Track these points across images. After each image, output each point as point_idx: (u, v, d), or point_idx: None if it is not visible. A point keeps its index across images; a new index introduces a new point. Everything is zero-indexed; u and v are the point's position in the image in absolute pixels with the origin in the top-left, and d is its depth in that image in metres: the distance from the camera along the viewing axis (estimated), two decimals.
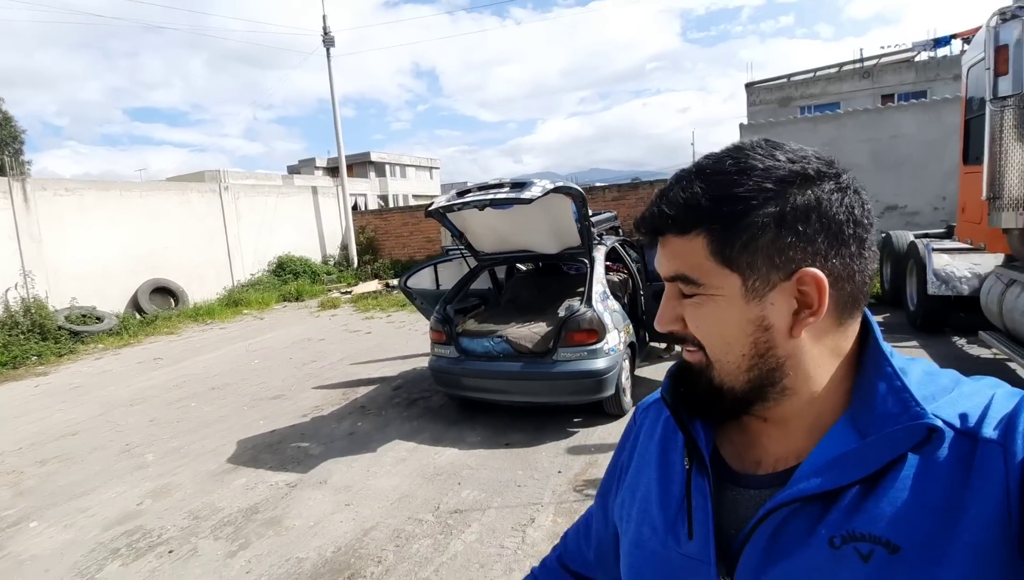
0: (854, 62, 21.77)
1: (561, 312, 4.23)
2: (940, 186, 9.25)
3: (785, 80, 22.29)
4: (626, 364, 4.31)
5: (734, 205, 0.49)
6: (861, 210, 0.51)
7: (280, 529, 3.15)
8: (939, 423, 0.46)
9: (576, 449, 3.82)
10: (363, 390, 5.64)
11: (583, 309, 4.00)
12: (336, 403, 5.31)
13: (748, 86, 22.81)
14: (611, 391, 3.98)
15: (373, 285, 13.05)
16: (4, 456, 4.70)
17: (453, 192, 4.09)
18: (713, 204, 0.50)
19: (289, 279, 13.64)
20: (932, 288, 4.96)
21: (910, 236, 6.46)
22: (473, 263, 5.00)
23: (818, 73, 21.68)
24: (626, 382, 4.32)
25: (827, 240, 0.49)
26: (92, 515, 3.54)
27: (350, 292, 12.70)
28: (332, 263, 15.61)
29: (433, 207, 4.04)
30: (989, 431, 0.45)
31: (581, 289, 4.67)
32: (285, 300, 12.66)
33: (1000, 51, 3.11)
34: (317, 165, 40.91)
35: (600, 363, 3.89)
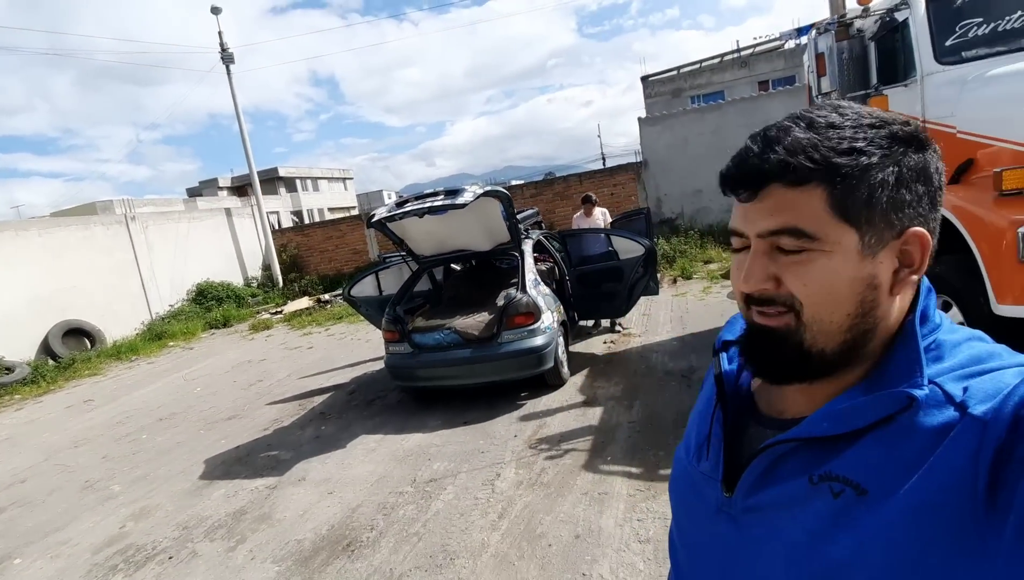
0: (732, 52, 23.92)
1: (500, 301, 4.78)
2: None
3: (675, 72, 24.12)
4: (561, 341, 4.92)
5: (856, 158, 0.49)
6: (941, 179, 0.53)
7: (272, 522, 3.47)
8: (921, 394, 0.48)
9: (526, 417, 4.39)
10: (319, 399, 5.90)
11: (520, 295, 4.57)
12: (294, 414, 5.55)
13: (644, 80, 24.45)
14: (551, 364, 4.58)
15: (304, 302, 12.97)
16: None
17: (392, 202, 4.52)
18: (834, 155, 0.50)
19: (213, 306, 13.24)
20: None
21: None
22: (415, 266, 5.43)
23: (703, 64, 23.67)
24: (562, 356, 4.93)
25: (929, 202, 0.52)
26: (76, 544, 3.66)
27: (281, 312, 12.56)
28: (256, 285, 15.25)
29: (376, 218, 4.44)
30: (978, 408, 0.46)
31: (514, 280, 5.24)
32: (212, 327, 12.32)
33: (819, 57, 3.99)
34: (220, 185, 38.96)
35: (539, 340, 4.48)
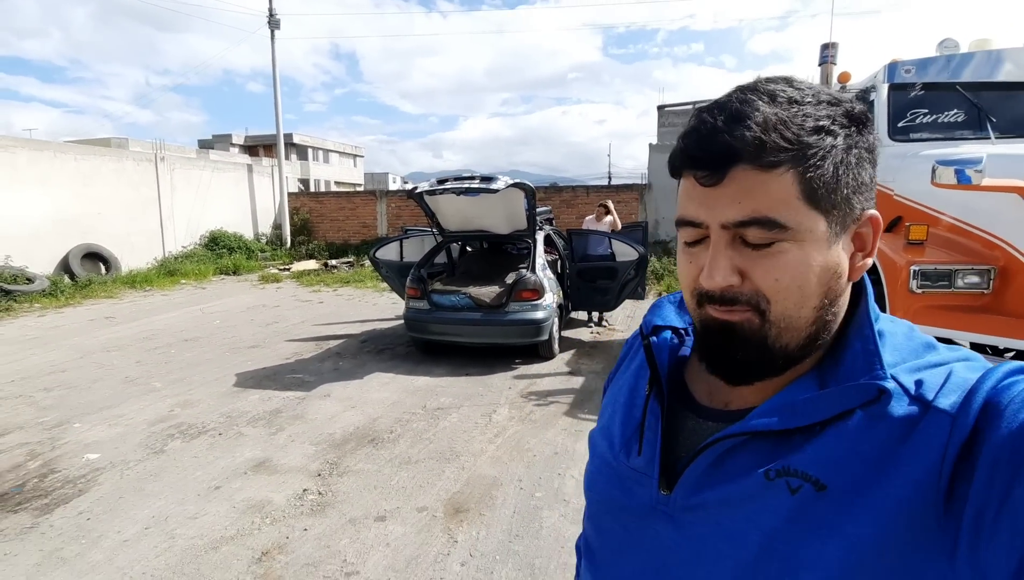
0: None
1: (509, 278, 5.57)
2: None
3: (692, 105, 25.17)
4: (556, 321, 5.72)
5: (824, 137, 0.46)
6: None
7: (305, 420, 4.20)
8: (891, 386, 0.46)
9: (519, 376, 5.19)
10: (334, 342, 6.63)
11: (529, 274, 5.38)
12: (312, 351, 6.27)
13: (660, 108, 25.47)
14: (546, 337, 5.38)
15: (311, 264, 13.65)
16: (1, 386, 5.11)
17: (434, 180, 5.29)
18: (804, 134, 0.46)
19: (224, 254, 13.86)
20: None
21: None
22: (440, 238, 6.21)
23: None
24: (556, 334, 5.73)
25: (873, 184, 0.50)
26: (130, 419, 4.33)
27: (289, 269, 13.23)
28: (265, 241, 15.89)
29: (418, 190, 5.22)
30: (943, 402, 0.45)
31: (521, 265, 6.05)
32: (223, 273, 12.95)
33: None
34: (234, 142, 39.39)
35: (540, 314, 5.29)
